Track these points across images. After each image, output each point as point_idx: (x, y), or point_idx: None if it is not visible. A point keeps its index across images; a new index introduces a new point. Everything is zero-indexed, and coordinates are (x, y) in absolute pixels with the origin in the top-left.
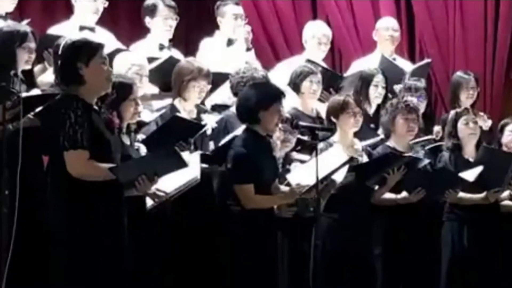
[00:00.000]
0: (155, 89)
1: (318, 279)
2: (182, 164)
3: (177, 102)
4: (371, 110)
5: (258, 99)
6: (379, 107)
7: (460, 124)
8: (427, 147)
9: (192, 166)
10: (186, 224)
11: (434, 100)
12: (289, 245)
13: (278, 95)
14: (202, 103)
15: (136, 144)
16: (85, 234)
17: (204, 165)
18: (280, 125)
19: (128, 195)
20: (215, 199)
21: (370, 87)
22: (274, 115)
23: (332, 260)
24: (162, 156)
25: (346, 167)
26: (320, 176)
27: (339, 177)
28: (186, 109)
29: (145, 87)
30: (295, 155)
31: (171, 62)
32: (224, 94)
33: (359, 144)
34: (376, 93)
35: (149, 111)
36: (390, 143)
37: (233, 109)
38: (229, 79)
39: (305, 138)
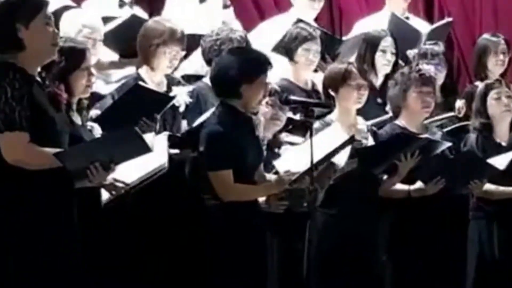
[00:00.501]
0: (113, 56)
1: (312, 283)
2: (146, 148)
3: (143, 72)
4: (378, 82)
5: (240, 69)
6: (387, 77)
7: (491, 99)
8: (446, 129)
9: (159, 151)
10: (151, 223)
11: (457, 69)
12: (279, 245)
13: (264, 64)
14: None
15: (89, 124)
16: (24, 231)
17: (174, 151)
18: (267, 99)
19: (79, 186)
20: (187, 191)
21: (377, 53)
22: (260, 90)
23: (329, 262)
24: (121, 138)
25: (347, 150)
26: (315, 160)
27: (340, 160)
28: (154, 81)
29: (100, 53)
30: (284, 136)
31: (133, 22)
32: (197, 62)
33: (363, 124)
34: (384, 61)
35: (104, 82)
36: (400, 122)
37: (206, 80)
38: (200, 43)
39: (297, 116)
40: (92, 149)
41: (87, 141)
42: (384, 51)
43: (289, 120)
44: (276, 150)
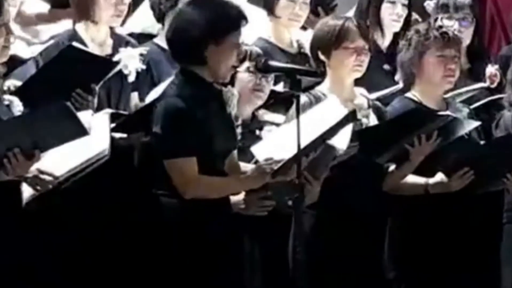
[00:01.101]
0: (43, 6)
1: None
2: (80, 130)
3: (81, 28)
4: (385, 42)
5: (204, 26)
6: (397, 37)
7: None
8: (474, 105)
9: (98, 134)
10: (87, 226)
11: (490, 26)
12: (261, 251)
13: (237, 19)
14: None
15: (6, 97)
16: None
17: (119, 134)
18: (248, 63)
19: None
20: (135, 185)
21: (383, 5)
22: (231, 52)
23: (319, 276)
24: (48, 116)
25: (348, 129)
26: (303, 144)
27: (340, 142)
28: (95, 39)
29: (23, 4)
30: (263, 114)
31: None
32: (146, 17)
33: (363, 98)
34: (392, 15)
35: (26, 43)
36: (413, 94)
37: (159, 41)
38: None
39: (279, 87)
40: (10, 131)
41: (3, 121)
42: (393, 2)
43: (271, 92)
44: (258, 132)
